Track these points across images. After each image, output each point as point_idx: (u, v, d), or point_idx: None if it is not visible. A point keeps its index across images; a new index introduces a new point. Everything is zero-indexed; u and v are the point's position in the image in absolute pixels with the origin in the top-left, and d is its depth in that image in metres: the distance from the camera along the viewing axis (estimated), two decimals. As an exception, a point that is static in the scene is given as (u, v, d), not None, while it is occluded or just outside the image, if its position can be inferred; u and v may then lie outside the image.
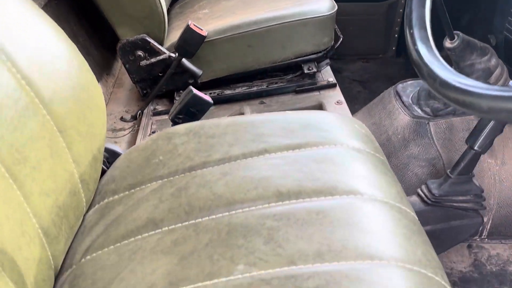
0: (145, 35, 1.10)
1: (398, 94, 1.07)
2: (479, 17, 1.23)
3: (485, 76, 0.95)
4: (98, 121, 0.68)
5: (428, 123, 0.98)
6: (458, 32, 0.92)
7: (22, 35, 0.58)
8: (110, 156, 0.76)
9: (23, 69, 0.56)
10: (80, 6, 1.25)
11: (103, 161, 0.74)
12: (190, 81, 1.16)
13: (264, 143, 0.68)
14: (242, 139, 0.70)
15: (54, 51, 0.62)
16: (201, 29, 1.07)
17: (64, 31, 1.07)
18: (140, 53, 1.12)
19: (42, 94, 0.57)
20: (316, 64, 1.21)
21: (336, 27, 1.24)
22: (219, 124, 0.73)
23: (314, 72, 1.19)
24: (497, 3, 1.11)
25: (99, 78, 1.26)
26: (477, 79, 0.81)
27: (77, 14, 1.24)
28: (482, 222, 0.89)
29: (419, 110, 1.01)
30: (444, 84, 0.43)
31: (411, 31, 0.49)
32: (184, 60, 1.12)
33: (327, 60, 1.26)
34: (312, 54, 1.18)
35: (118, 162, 0.72)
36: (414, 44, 0.48)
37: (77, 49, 0.68)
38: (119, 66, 1.37)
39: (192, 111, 0.85)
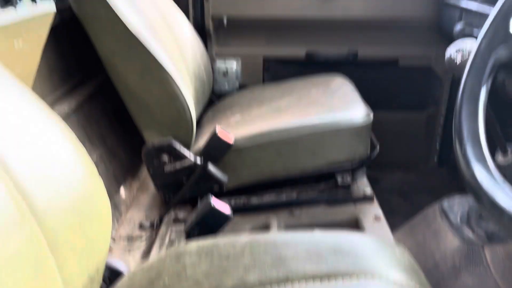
0: (171, 139, 1.07)
1: (444, 212, 0.95)
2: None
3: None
4: (99, 236, 0.61)
5: (483, 248, 0.84)
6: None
7: (24, 141, 0.54)
8: (112, 275, 0.67)
9: (17, 175, 0.50)
10: (113, 108, 1.25)
11: (105, 279, 0.65)
12: (215, 189, 1.09)
13: (286, 269, 0.58)
14: (260, 263, 0.60)
15: (57, 156, 0.57)
16: (229, 136, 1.03)
17: (93, 134, 1.04)
18: (165, 157, 1.08)
19: (35, 203, 0.51)
20: (351, 174, 1.12)
21: (373, 134, 1.18)
22: (235, 243, 0.64)
23: (349, 183, 1.10)
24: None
25: (123, 182, 1.21)
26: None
27: (108, 116, 1.24)
28: None
29: (470, 233, 0.88)
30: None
31: (463, 148, 0.40)
32: (210, 166, 1.06)
33: (363, 169, 1.17)
34: (346, 163, 1.10)
35: (118, 286, 0.63)
36: (468, 165, 0.38)
37: (87, 155, 0.63)
38: (145, 170, 1.33)
39: (210, 224, 0.76)
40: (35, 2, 0.90)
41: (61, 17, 1.03)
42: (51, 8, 0.94)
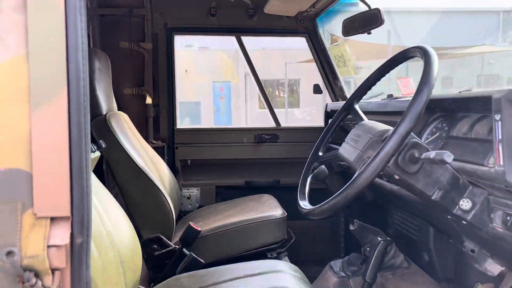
0: (159, 234, 1.67)
1: (331, 266, 1.59)
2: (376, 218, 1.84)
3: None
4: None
5: (348, 280, 1.47)
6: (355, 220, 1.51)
7: (115, 218, 1.14)
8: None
9: (117, 245, 1.07)
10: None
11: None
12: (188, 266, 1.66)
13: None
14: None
15: (127, 224, 1.17)
16: (197, 227, 1.65)
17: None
18: (155, 246, 1.66)
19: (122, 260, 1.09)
20: (276, 253, 1.74)
21: (289, 229, 1.84)
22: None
23: (275, 257, 1.71)
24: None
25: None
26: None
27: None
28: None
29: (342, 273, 1.51)
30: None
31: (298, 193, 1.10)
32: (184, 250, 1.65)
33: (286, 253, 1.80)
34: (272, 244, 1.73)
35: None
36: (298, 201, 1.08)
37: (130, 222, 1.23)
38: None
39: None
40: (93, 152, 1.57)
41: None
42: (97, 153, 1.61)
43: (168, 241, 1.67)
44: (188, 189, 2.28)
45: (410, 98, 0.96)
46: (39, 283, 0.59)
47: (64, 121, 0.60)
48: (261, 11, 2.03)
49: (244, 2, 1.96)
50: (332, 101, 2.31)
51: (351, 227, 1.53)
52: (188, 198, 2.26)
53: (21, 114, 0.60)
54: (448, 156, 0.83)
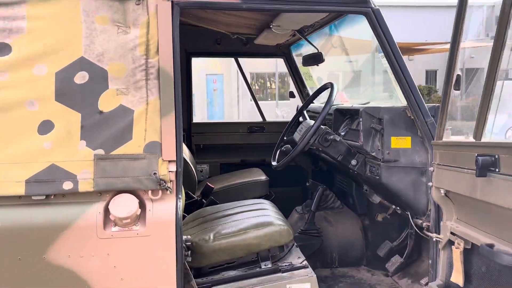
0: (187, 191, 2.60)
1: (296, 209, 2.55)
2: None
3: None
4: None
5: (304, 215, 2.44)
6: (310, 179, 2.47)
7: None
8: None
9: None
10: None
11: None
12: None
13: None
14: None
15: None
16: (212, 185, 2.60)
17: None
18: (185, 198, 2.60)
19: None
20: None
21: (271, 190, 2.79)
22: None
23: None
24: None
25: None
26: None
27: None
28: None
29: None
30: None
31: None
32: (203, 199, 2.59)
33: (268, 205, 2.75)
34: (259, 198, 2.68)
35: None
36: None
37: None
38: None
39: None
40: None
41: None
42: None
43: (193, 195, 2.61)
44: (201, 165, 3.22)
45: (342, 104, 1.92)
46: (167, 184, 1.53)
47: (173, 122, 1.54)
48: (252, 42, 2.96)
49: (239, 37, 2.90)
50: (302, 103, 3.26)
51: (307, 184, 2.49)
52: (201, 171, 3.20)
53: (158, 119, 1.54)
54: (337, 138, 1.80)
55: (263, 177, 2.74)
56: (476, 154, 1.24)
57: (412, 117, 1.73)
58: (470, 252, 1.42)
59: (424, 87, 23.36)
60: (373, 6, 1.65)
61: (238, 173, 2.98)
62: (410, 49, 21.91)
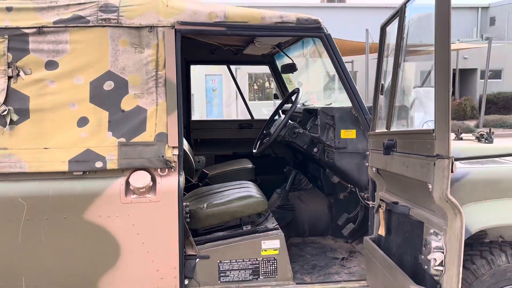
0: (187, 176, 3.15)
1: (276, 191, 3.11)
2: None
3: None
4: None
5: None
6: (287, 166, 3.03)
7: None
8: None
9: None
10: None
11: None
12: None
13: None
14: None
15: None
16: (207, 172, 3.14)
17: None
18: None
19: None
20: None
21: (257, 177, 3.34)
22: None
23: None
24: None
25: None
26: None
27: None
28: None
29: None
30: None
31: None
32: (199, 183, 3.14)
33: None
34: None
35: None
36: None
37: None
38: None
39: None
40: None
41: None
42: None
43: (191, 179, 3.16)
44: (198, 157, 3.77)
45: (313, 105, 2.48)
46: (171, 164, 2.07)
47: (176, 118, 2.09)
48: (241, 52, 3.50)
49: (230, 49, 3.45)
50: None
51: (285, 170, 3.05)
52: (198, 162, 3.75)
53: (165, 116, 2.08)
54: (301, 130, 2.36)
55: (250, 165, 3.30)
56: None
57: (356, 115, 2.28)
58: (389, 211, 1.97)
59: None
60: (325, 32, 2.19)
61: (229, 162, 3.53)
62: (412, 50, 22.42)
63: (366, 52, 18.63)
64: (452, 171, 1.44)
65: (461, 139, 2.97)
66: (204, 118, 15.96)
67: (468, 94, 25.23)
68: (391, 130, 1.85)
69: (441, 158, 1.44)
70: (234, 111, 17.01)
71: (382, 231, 1.98)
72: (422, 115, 2.09)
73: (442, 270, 1.55)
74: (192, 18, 2.10)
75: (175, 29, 2.08)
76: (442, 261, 1.54)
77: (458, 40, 26.21)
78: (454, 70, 25.33)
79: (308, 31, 2.18)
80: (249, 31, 2.15)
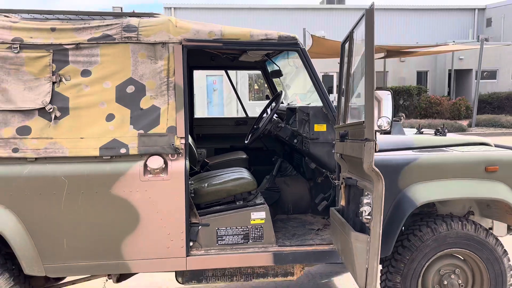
0: (191, 165, 3.73)
1: (266, 177, 3.68)
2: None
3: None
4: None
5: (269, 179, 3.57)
6: (276, 156, 3.60)
7: None
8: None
9: None
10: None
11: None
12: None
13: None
14: (219, 170, 3.29)
15: None
16: (208, 161, 3.72)
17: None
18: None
19: None
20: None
21: (251, 166, 3.92)
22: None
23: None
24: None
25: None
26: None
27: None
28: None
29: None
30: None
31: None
32: (201, 170, 3.71)
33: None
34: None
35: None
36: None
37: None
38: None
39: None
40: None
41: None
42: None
43: (194, 167, 3.73)
44: (200, 149, 4.35)
45: (295, 104, 3.06)
46: (179, 150, 2.65)
47: (182, 114, 2.66)
48: (237, 59, 4.08)
49: (227, 56, 4.03)
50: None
51: (273, 159, 3.63)
52: (200, 154, 4.33)
53: (174, 113, 2.66)
54: (283, 125, 2.93)
55: (244, 156, 3.88)
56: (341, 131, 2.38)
57: (326, 112, 2.86)
58: (349, 187, 2.54)
59: (414, 87, 24.49)
60: (301, 46, 2.77)
61: (227, 154, 4.12)
62: (402, 52, 23.00)
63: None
64: (375, 150, 2.02)
65: (422, 133, 3.56)
66: (205, 116, 16.63)
67: (463, 94, 25.80)
68: (346, 123, 2.42)
69: (368, 141, 2.02)
70: (234, 109, 17.63)
71: (343, 202, 2.56)
72: (376, 112, 2.66)
73: (370, 218, 2.13)
74: (195, 36, 2.68)
75: (182, 45, 2.66)
76: (370, 212, 2.12)
77: (453, 41, 26.80)
78: (449, 70, 25.94)
79: (287, 46, 2.76)
80: (240, 46, 2.73)
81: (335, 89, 26.35)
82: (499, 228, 3.39)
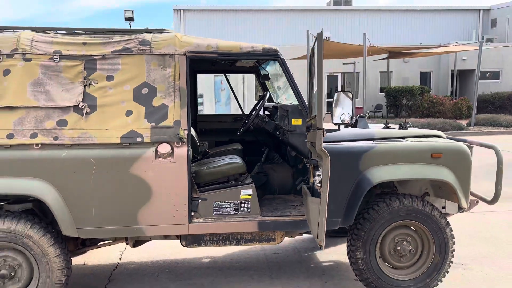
0: (195, 154, 4.43)
1: (256, 165, 4.39)
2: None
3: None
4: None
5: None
6: (265, 147, 4.30)
7: None
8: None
9: None
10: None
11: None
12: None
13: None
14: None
15: None
16: (209, 151, 4.43)
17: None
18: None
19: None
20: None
21: (245, 156, 4.62)
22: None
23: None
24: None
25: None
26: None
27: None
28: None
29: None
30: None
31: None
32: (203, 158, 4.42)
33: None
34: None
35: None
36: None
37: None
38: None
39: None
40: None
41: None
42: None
43: (197, 156, 4.43)
44: (202, 142, 5.06)
45: (279, 103, 3.76)
46: (183, 139, 3.35)
47: (186, 111, 3.37)
48: (234, 64, 4.77)
49: (226, 62, 4.73)
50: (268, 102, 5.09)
51: (263, 149, 4.33)
52: (203, 145, 5.04)
53: (179, 110, 3.36)
54: (267, 119, 3.63)
55: (239, 147, 4.58)
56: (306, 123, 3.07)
57: (301, 109, 3.55)
58: (315, 167, 3.24)
59: (417, 87, 25.00)
60: (280, 56, 3.46)
61: (225, 145, 4.82)
62: (405, 53, 23.48)
63: (364, 55, 19.76)
64: (324, 135, 2.72)
65: (389, 127, 4.25)
66: (213, 112, 17.44)
67: (466, 94, 26.28)
68: (310, 117, 3.12)
69: (318, 129, 2.72)
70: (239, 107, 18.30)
71: (311, 180, 3.25)
72: (341, 109, 3.35)
73: (320, 186, 2.83)
74: (196, 49, 3.38)
75: (186, 56, 3.36)
76: (320, 181, 2.81)
77: (456, 42, 27.19)
78: (452, 71, 26.42)
79: (269, 56, 3.45)
80: (232, 57, 3.44)
81: (340, 88, 26.94)
82: (451, 206, 4.05)
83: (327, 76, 26.48)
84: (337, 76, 26.78)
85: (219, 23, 31.71)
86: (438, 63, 27.68)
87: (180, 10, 31.38)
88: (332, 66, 25.67)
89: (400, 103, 24.40)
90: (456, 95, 27.25)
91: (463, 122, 19.57)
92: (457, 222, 5.74)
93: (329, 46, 20.68)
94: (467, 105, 23.13)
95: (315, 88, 3.00)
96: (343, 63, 24.61)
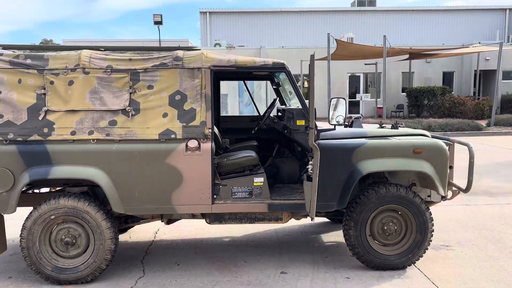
0: (217, 149, 5.25)
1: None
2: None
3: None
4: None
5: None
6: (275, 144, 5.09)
7: None
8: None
9: None
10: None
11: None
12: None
13: (238, 151, 4.81)
14: (235, 151, 4.81)
15: None
16: (229, 147, 5.24)
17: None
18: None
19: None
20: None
21: (260, 152, 5.41)
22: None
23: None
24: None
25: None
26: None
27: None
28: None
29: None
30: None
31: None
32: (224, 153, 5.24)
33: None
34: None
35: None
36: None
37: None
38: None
39: (227, 153, 4.98)
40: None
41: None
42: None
43: (219, 151, 5.24)
44: (224, 139, 5.87)
45: (287, 107, 4.56)
46: (208, 136, 4.17)
47: (210, 113, 4.18)
48: (252, 73, 5.56)
49: (244, 72, 5.52)
50: (281, 105, 5.87)
51: (274, 146, 5.11)
52: (224, 143, 5.85)
53: (205, 113, 4.18)
54: (276, 120, 4.41)
55: (255, 143, 5.38)
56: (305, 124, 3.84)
57: (304, 113, 4.31)
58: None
59: (439, 87, 25.24)
60: (287, 69, 4.23)
61: (243, 142, 5.62)
62: (428, 54, 23.80)
63: (383, 56, 20.28)
64: (315, 133, 3.49)
65: (383, 127, 4.98)
66: (236, 113, 18.36)
67: (489, 94, 26.31)
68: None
69: (311, 128, 3.49)
70: (260, 107, 19.13)
71: (310, 171, 4.02)
72: (336, 112, 4.10)
73: (312, 172, 3.60)
74: (218, 63, 4.19)
75: (210, 69, 4.17)
76: (311, 168, 3.58)
77: (479, 42, 27.26)
78: (475, 71, 26.49)
79: (278, 69, 4.23)
80: (247, 69, 4.24)
81: (362, 88, 27.39)
82: (435, 195, 4.75)
83: (349, 76, 26.99)
84: (359, 76, 27.24)
85: (243, 24, 32.61)
86: (461, 63, 27.76)
87: (206, 12, 32.43)
88: (354, 67, 26.18)
89: (421, 103, 24.71)
90: (479, 96, 27.30)
91: (483, 123, 19.81)
92: (455, 213, 6.41)
93: (350, 47, 21.26)
94: (489, 105, 23.23)
95: (310, 97, 3.75)
96: (365, 64, 25.10)
